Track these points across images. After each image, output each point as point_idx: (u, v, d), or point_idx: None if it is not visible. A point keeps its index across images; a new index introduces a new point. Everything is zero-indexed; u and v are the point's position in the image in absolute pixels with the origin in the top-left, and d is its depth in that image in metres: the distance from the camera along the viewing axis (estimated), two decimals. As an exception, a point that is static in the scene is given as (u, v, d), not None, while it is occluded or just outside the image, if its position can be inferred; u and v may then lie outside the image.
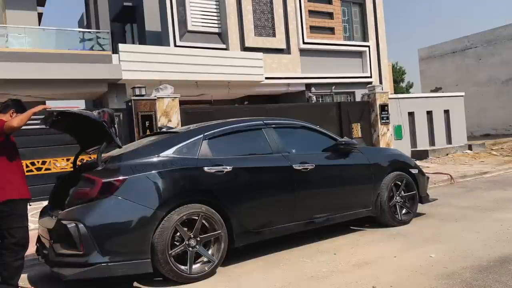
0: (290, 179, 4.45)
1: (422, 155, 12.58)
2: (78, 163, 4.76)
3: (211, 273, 3.84)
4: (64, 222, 3.44)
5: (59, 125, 4.10)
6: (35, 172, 7.79)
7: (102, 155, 3.84)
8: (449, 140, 13.95)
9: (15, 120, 3.44)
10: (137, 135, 8.05)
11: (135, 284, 3.79)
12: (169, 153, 3.96)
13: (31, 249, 3.99)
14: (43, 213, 4.22)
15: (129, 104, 8.37)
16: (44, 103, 13.11)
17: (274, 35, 14.60)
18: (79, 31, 13.86)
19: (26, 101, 11.52)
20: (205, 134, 4.24)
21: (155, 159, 3.87)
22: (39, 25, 16.11)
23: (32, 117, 7.10)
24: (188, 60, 12.11)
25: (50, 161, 7.97)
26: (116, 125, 3.87)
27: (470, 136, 19.51)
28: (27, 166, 7.54)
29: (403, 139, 12.58)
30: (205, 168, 3.96)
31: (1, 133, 3.47)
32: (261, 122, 4.73)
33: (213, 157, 4.12)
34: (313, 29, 15.51)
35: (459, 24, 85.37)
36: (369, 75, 16.59)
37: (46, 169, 7.91)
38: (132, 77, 11.16)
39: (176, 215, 3.70)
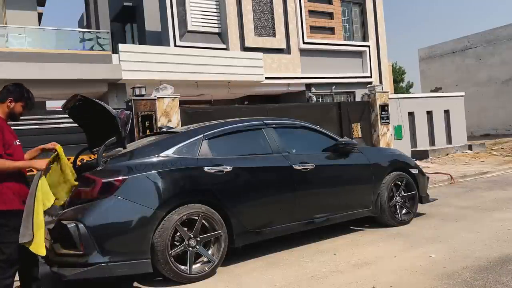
0: (290, 179, 4.45)
1: (422, 155, 12.57)
2: (78, 163, 4.75)
3: (211, 273, 3.84)
4: (64, 222, 3.45)
5: (76, 114, 4.07)
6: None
7: (102, 155, 3.84)
8: (449, 140, 13.93)
9: None
10: (137, 135, 8.04)
11: (135, 284, 3.79)
12: (169, 153, 3.96)
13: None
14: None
15: (129, 104, 8.36)
16: (44, 103, 13.10)
17: (274, 35, 14.59)
18: (79, 31, 13.84)
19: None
20: (205, 134, 4.24)
21: (155, 159, 3.87)
22: (39, 25, 16.09)
23: (31, 117, 7.04)
24: (188, 60, 12.10)
25: (50, 161, 7.95)
26: (128, 126, 3.84)
27: (470, 136, 19.50)
28: (27, 166, 7.51)
29: (403, 139, 12.56)
30: (205, 168, 3.96)
31: None
32: (261, 122, 4.73)
33: (213, 157, 4.12)
34: (313, 29, 15.50)
35: (459, 24, 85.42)
36: (369, 75, 16.58)
37: (46, 169, 7.88)
38: (132, 77, 11.15)
39: (176, 215, 3.70)
